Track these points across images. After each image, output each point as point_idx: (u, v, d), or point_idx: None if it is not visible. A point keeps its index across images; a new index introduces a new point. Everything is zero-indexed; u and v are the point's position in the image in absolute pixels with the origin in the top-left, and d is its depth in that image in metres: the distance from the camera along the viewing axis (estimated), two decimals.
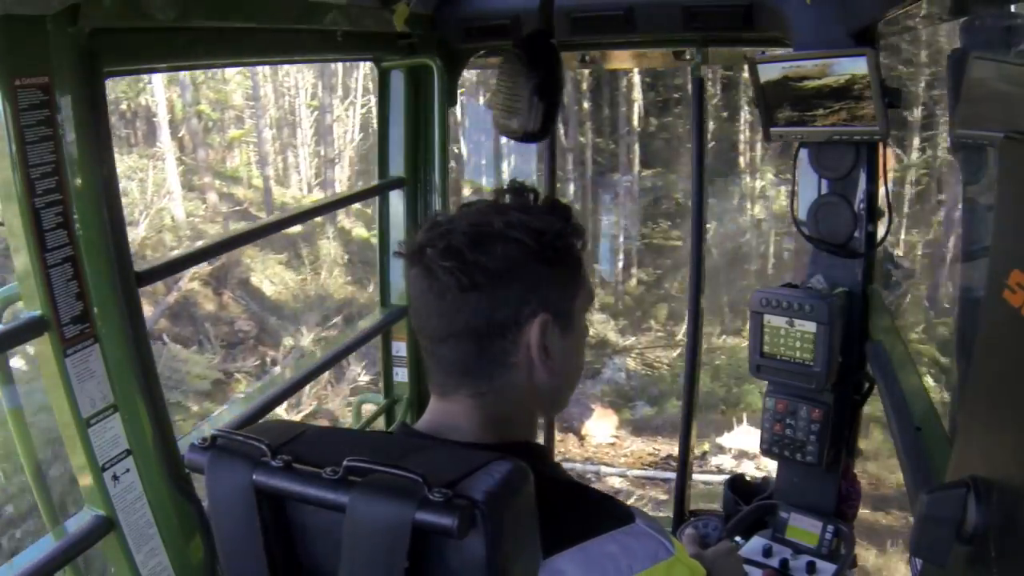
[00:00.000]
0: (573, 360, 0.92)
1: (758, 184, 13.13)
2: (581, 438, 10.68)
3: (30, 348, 1.28)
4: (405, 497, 0.69)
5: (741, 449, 9.77)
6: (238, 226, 10.40)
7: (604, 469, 9.78)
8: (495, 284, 0.83)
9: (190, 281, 11.19)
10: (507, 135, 1.93)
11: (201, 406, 9.74)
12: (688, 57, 2.34)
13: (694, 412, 2.55)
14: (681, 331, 11.77)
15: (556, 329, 0.87)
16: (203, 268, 11.13)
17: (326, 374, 9.36)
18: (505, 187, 0.90)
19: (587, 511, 0.83)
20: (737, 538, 2.07)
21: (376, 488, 0.71)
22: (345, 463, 0.72)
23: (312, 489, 0.73)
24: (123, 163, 11.67)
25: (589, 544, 0.79)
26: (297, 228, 11.97)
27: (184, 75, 12.08)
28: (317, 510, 0.75)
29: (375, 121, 2.41)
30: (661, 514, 3.05)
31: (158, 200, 12.21)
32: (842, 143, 1.88)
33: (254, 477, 0.76)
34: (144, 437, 1.40)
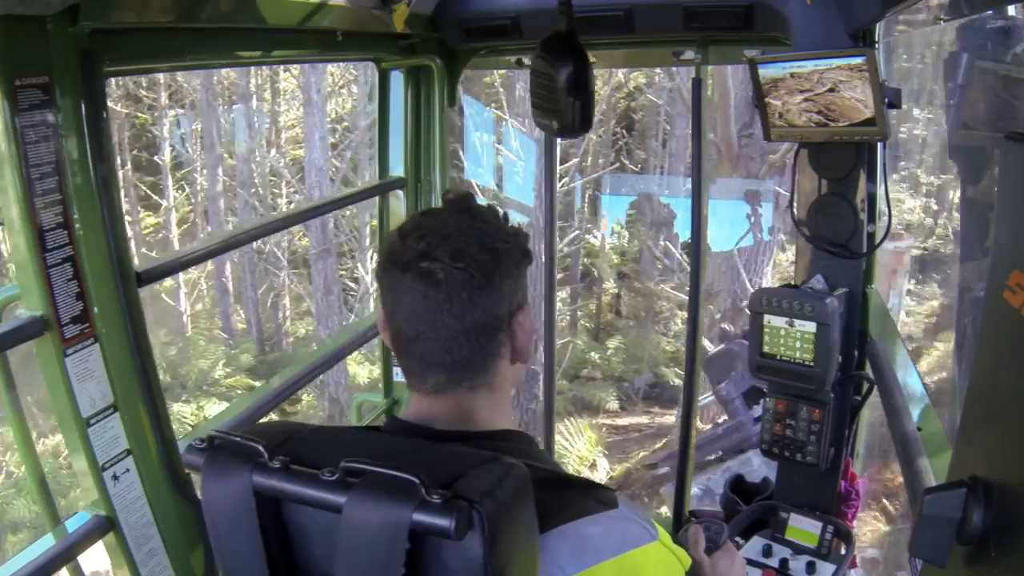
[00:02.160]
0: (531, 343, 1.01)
1: None
2: None
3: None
4: (403, 498, 0.69)
5: None
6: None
7: None
8: (500, 281, 0.89)
9: None
10: (550, 133, 2.01)
11: None
12: (688, 57, 2.34)
13: (693, 414, 2.55)
14: None
15: (529, 316, 0.95)
16: None
17: None
18: (453, 196, 0.96)
19: (573, 495, 0.84)
20: (737, 538, 2.06)
21: (374, 489, 0.70)
22: (343, 464, 0.72)
23: (310, 490, 0.73)
24: None
25: (575, 524, 0.81)
26: None
27: None
28: (315, 511, 0.74)
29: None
30: (661, 515, 3.06)
31: None
32: (842, 143, 1.88)
33: (252, 478, 0.76)
34: (144, 437, 1.40)
